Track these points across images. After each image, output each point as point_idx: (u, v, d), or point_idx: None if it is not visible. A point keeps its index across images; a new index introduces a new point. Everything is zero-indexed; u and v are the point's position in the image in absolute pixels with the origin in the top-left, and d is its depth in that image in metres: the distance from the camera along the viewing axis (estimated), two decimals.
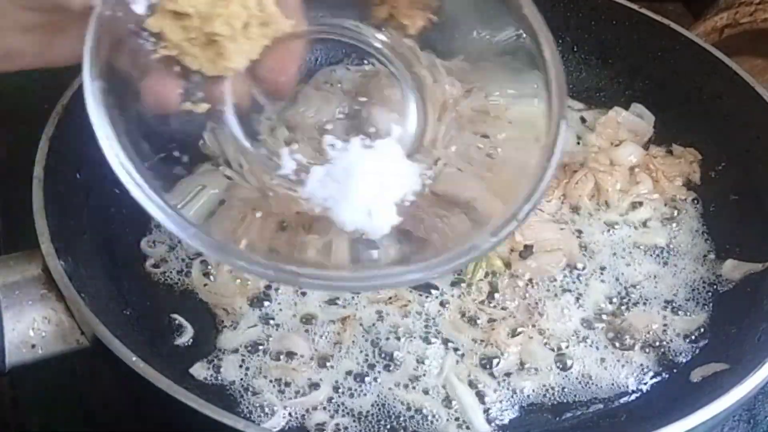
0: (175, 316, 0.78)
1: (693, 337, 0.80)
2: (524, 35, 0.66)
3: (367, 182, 0.61)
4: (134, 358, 0.62)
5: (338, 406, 0.72)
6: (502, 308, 0.80)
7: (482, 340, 0.77)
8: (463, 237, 0.63)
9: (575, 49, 1.04)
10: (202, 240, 0.57)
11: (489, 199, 0.68)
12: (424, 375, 0.75)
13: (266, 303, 0.79)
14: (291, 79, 0.63)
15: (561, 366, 0.77)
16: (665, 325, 0.81)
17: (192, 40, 0.58)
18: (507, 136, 0.72)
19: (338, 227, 0.61)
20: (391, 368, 0.75)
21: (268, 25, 0.60)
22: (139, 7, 0.57)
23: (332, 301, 0.79)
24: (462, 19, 0.70)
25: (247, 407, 0.72)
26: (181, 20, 0.57)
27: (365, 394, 0.73)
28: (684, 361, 0.78)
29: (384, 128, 0.69)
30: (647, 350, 0.79)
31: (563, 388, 0.75)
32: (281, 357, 0.75)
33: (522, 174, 0.63)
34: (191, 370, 0.74)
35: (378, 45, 0.70)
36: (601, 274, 0.84)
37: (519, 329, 0.78)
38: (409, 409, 0.73)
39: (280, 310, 0.78)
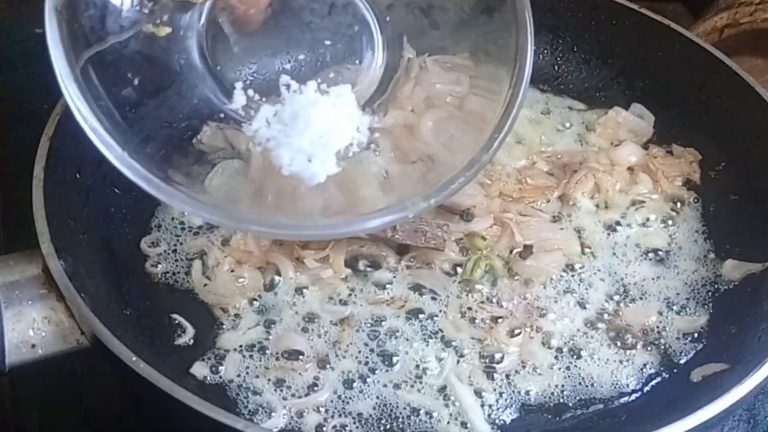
0: (175, 316, 0.78)
1: (693, 337, 0.80)
2: None
3: (311, 128, 0.60)
4: (134, 358, 0.62)
5: (338, 406, 0.72)
6: (502, 308, 0.80)
7: (482, 340, 0.77)
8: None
9: (575, 49, 1.04)
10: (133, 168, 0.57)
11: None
12: (424, 375, 0.75)
13: (266, 303, 0.79)
14: (260, 10, 0.62)
15: (561, 366, 0.77)
16: (665, 324, 0.81)
17: None
18: (472, 90, 0.72)
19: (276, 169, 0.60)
20: (391, 368, 0.75)
21: None
22: None
23: (333, 301, 0.79)
24: None
25: (247, 407, 0.72)
26: None
27: (365, 395, 0.73)
28: (684, 361, 0.78)
29: (344, 74, 0.67)
30: (648, 349, 0.79)
31: (563, 388, 0.75)
32: (281, 357, 0.75)
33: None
34: (191, 370, 0.74)
35: None
36: (601, 273, 0.84)
37: (519, 329, 0.78)
38: (409, 409, 0.73)
39: (281, 310, 0.78)
